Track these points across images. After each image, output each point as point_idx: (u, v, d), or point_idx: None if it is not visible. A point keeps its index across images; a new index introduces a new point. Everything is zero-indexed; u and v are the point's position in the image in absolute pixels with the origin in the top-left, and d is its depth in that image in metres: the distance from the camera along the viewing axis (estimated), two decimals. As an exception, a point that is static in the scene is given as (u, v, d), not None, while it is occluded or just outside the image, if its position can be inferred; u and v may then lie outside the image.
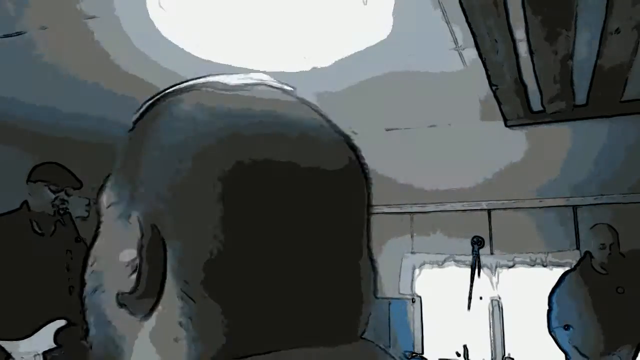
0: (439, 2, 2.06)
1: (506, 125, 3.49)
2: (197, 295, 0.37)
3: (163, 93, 0.46)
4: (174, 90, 0.46)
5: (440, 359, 4.11)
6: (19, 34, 2.34)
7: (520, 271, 4.22)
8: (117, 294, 0.39)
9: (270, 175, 0.38)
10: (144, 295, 0.38)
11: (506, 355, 4.12)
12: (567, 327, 3.45)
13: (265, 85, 0.45)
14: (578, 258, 3.73)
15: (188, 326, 0.37)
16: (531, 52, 2.43)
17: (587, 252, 3.57)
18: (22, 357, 2.59)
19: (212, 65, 2.55)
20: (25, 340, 2.61)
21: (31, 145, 3.59)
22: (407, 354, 4.12)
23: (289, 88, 0.46)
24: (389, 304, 4.45)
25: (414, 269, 4.48)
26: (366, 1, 2.02)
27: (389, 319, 4.44)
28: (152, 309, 0.39)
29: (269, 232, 0.38)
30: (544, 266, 4.09)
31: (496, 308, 4.25)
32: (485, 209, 4.32)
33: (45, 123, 3.57)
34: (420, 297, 4.47)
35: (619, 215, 3.77)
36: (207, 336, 0.37)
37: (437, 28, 2.27)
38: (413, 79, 2.87)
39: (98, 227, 0.45)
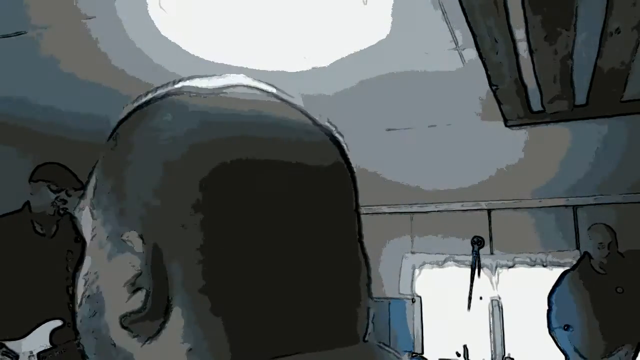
0: (439, 2, 2.06)
1: (506, 125, 3.49)
2: (203, 307, 0.36)
3: (137, 103, 0.45)
4: (149, 100, 0.44)
5: (440, 359, 4.11)
6: (19, 34, 2.34)
7: (520, 271, 4.22)
8: (121, 316, 0.38)
9: (256, 178, 0.38)
10: (151, 314, 0.37)
11: (506, 355, 4.12)
12: (567, 328, 3.45)
13: (244, 86, 0.45)
14: (578, 258, 3.73)
15: (198, 341, 0.36)
16: (531, 52, 2.43)
17: (585, 253, 3.57)
18: (17, 357, 2.59)
19: (212, 65, 2.55)
20: (21, 339, 2.62)
21: (31, 145, 3.59)
22: (407, 354, 4.12)
23: (268, 87, 0.45)
24: (389, 304, 4.45)
25: (414, 269, 4.48)
26: (366, 1, 2.02)
27: (389, 319, 4.44)
28: (160, 330, 0.37)
29: (262, 236, 0.37)
30: (544, 266, 4.09)
31: (496, 308, 4.25)
32: (485, 209, 4.32)
33: (45, 123, 3.57)
34: (420, 297, 4.47)
35: (619, 215, 3.77)
36: (216, 349, 0.36)
37: (437, 28, 2.27)
38: (413, 79, 2.87)
39: (83, 250, 0.44)
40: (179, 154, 0.38)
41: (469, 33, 2.26)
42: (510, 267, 4.24)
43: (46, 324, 2.68)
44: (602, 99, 3.05)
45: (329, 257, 0.40)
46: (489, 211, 4.32)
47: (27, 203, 2.80)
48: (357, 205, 0.44)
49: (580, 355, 3.37)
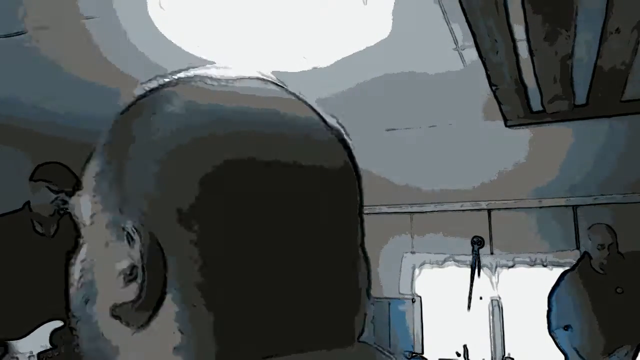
0: (439, 2, 2.06)
1: (506, 125, 3.49)
2: (196, 301, 0.36)
3: (148, 88, 0.44)
4: (160, 85, 0.44)
5: (440, 359, 4.11)
6: (19, 34, 2.34)
7: (520, 271, 4.22)
8: (113, 306, 0.38)
9: (258, 175, 0.37)
10: (144, 305, 0.37)
11: (506, 355, 4.13)
12: (566, 328, 3.44)
13: (256, 79, 0.44)
14: (578, 258, 3.73)
15: (187, 335, 0.36)
16: (531, 52, 2.43)
17: (585, 252, 3.57)
18: (17, 357, 2.59)
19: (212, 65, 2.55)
20: (21, 340, 2.62)
21: (31, 146, 3.59)
22: (407, 354, 4.12)
23: (281, 84, 0.45)
24: (389, 304, 4.45)
25: (414, 269, 4.48)
26: (366, 1, 2.02)
27: (389, 319, 4.45)
28: (150, 320, 0.37)
29: (263, 234, 0.37)
30: (544, 266, 4.09)
31: (496, 308, 4.25)
32: (485, 209, 4.33)
33: (45, 123, 3.57)
34: (420, 297, 4.47)
35: (619, 215, 3.77)
36: (205, 344, 0.36)
37: (437, 28, 2.27)
38: (413, 79, 2.87)
39: (78, 236, 0.44)
40: (181, 147, 0.38)
41: (469, 33, 2.26)
42: (510, 267, 4.24)
43: (46, 324, 2.68)
44: (602, 99, 3.05)
45: (329, 258, 0.39)
46: (489, 211, 4.33)
47: (27, 203, 2.80)
48: (361, 208, 0.44)
49: (580, 356, 3.37)
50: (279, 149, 0.39)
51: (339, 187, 0.42)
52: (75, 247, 0.44)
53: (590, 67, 2.66)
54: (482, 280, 4.21)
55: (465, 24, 2.18)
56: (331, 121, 0.44)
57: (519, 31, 2.27)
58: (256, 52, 2.46)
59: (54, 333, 2.69)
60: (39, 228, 2.80)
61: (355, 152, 0.45)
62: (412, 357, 4.08)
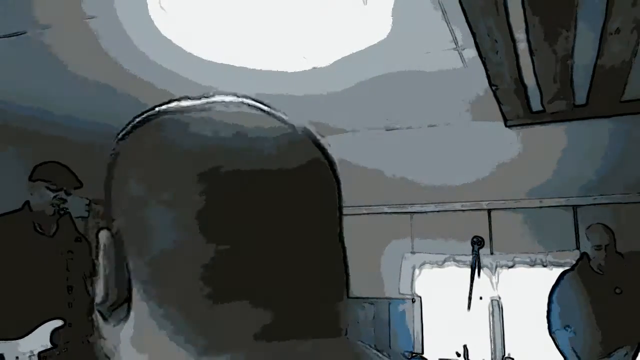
0: (439, 2, 2.06)
1: (506, 125, 3.50)
2: (165, 297, 0.39)
3: (132, 123, 0.48)
4: (140, 120, 0.47)
5: (440, 359, 4.11)
6: (19, 33, 2.34)
7: (520, 271, 4.22)
8: (96, 304, 0.43)
9: (229, 181, 0.40)
10: (115, 303, 0.41)
11: (506, 355, 4.12)
12: (566, 329, 3.44)
13: (225, 102, 0.46)
14: (578, 258, 3.72)
15: (162, 328, 0.39)
16: (531, 52, 2.43)
17: (584, 253, 3.56)
18: (17, 357, 2.59)
19: (212, 65, 2.55)
20: (21, 339, 2.62)
21: (31, 145, 3.59)
22: (407, 354, 4.12)
23: (251, 102, 0.47)
24: (389, 304, 4.45)
25: (414, 269, 4.48)
26: (366, 1, 2.02)
27: (389, 319, 4.44)
28: (126, 316, 0.41)
29: (239, 232, 0.39)
30: (544, 266, 4.08)
31: (496, 308, 4.25)
32: (485, 209, 4.32)
33: (45, 123, 3.57)
34: (420, 297, 4.47)
35: (619, 215, 3.77)
36: (181, 336, 0.38)
37: (437, 28, 2.27)
38: (413, 79, 2.88)
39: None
40: (158, 162, 0.42)
41: (469, 33, 2.26)
42: (510, 267, 4.24)
43: (46, 324, 2.68)
44: (602, 99, 3.05)
45: (305, 252, 0.41)
46: (489, 211, 4.32)
47: (27, 202, 2.80)
48: (340, 202, 0.46)
49: (579, 356, 3.37)
50: (247, 156, 0.41)
51: (312, 184, 0.44)
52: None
53: (590, 67, 2.67)
54: (482, 281, 4.21)
55: (465, 24, 2.18)
56: (301, 126, 0.47)
57: (519, 31, 2.27)
58: (256, 52, 2.46)
59: (54, 333, 2.69)
60: (39, 228, 2.80)
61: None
62: (412, 357, 4.08)
